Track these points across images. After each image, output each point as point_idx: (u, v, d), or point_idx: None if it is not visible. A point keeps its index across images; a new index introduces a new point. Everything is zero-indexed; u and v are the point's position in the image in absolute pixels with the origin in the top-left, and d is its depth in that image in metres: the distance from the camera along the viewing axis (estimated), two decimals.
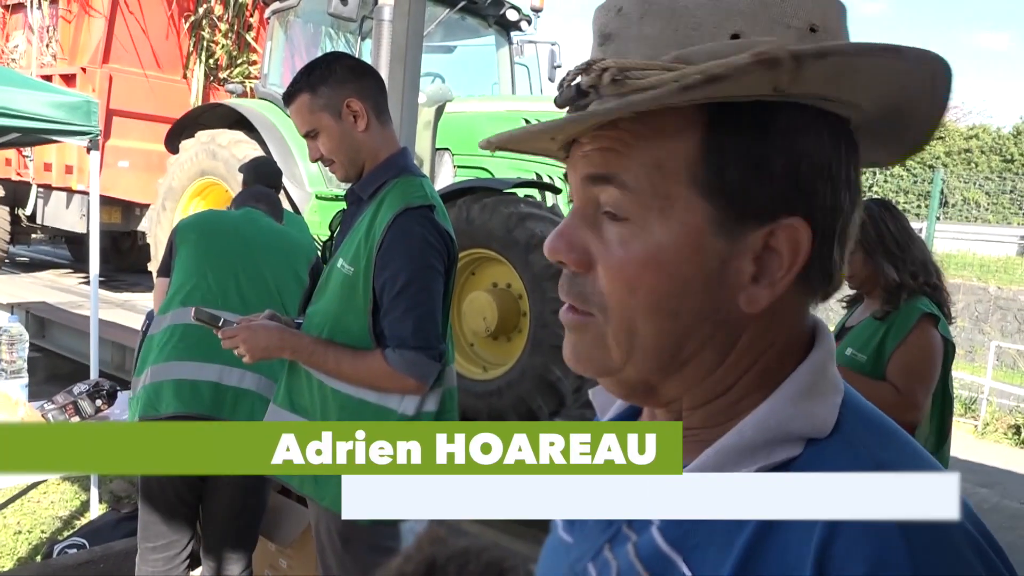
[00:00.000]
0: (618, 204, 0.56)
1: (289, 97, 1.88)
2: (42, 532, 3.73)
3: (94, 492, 3.75)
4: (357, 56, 5.90)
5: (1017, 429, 7.70)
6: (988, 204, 18.98)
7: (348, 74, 1.86)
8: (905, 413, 2.22)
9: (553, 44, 6.85)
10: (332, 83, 1.84)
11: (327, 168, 1.94)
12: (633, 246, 0.55)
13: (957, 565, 0.48)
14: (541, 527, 0.72)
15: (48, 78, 7.37)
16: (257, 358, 1.86)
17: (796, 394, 0.56)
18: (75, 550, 3.24)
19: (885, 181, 18.99)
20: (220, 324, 1.89)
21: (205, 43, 8.68)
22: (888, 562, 0.47)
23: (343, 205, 2.03)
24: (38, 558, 3.43)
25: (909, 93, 0.55)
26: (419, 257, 1.78)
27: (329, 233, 2.04)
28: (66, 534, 3.58)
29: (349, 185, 1.95)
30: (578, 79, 0.57)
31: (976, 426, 7.80)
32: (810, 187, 0.54)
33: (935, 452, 2.37)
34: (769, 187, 0.54)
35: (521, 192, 4.62)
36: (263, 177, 3.83)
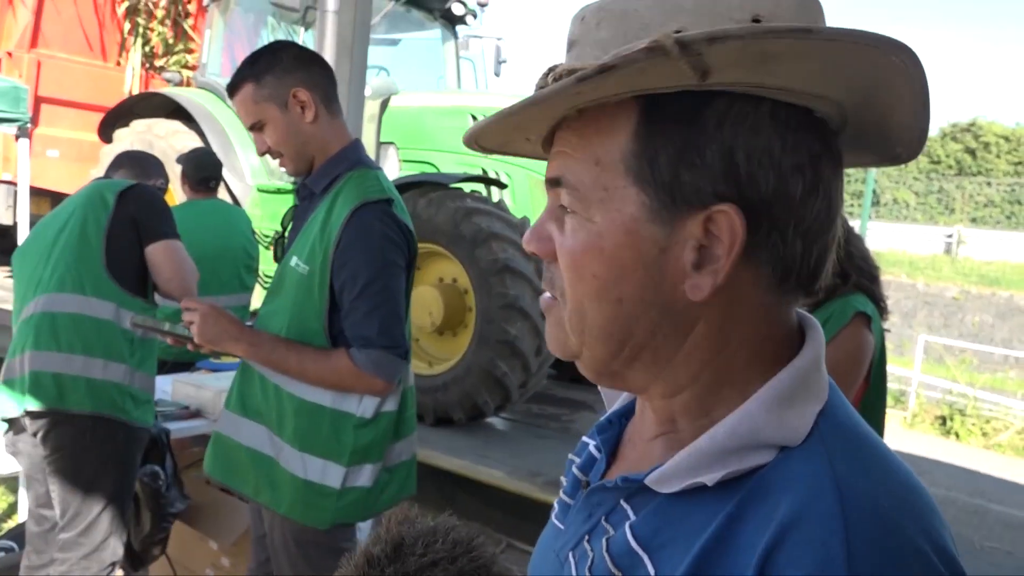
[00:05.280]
0: (569, 200, 0.60)
1: (233, 88, 1.81)
2: None
3: (22, 494, 3.61)
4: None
5: (943, 420, 8.02)
6: (917, 204, 19.70)
7: (294, 63, 1.80)
8: None
9: (499, 39, 6.84)
10: (277, 72, 1.78)
11: (275, 162, 1.88)
12: (579, 235, 0.59)
13: None
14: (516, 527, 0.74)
15: None
16: (206, 342, 1.80)
17: (772, 400, 0.56)
18: (3, 553, 3.12)
19: None
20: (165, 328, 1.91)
21: (141, 30, 8.40)
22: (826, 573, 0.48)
23: (285, 199, 1.98)
24: None
25: (871, 80, 0.53)
26: (380, 254, 1.73)
27: (280, 229, 1.99)
28: None
29: (294, 178, 1.90)
30: (539, 84, 0.60)
31: (905, 417, 8.10)
32: (747, 175, 0.54)
33: None
34: (700, 175, 0.55)
35: (467, 187, 4.61)
36: (202, 168, 3.75)
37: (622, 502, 0.61)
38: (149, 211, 2.34)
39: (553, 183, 0.62)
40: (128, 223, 2.30)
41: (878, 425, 2.56)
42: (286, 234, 1.94)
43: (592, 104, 0.57)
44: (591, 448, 0.72)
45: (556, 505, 0.72)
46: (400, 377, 1.82)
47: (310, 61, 1.86)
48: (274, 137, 1.80)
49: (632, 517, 0.59)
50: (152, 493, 2.51)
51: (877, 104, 0.55)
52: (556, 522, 0.70)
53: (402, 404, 1.88)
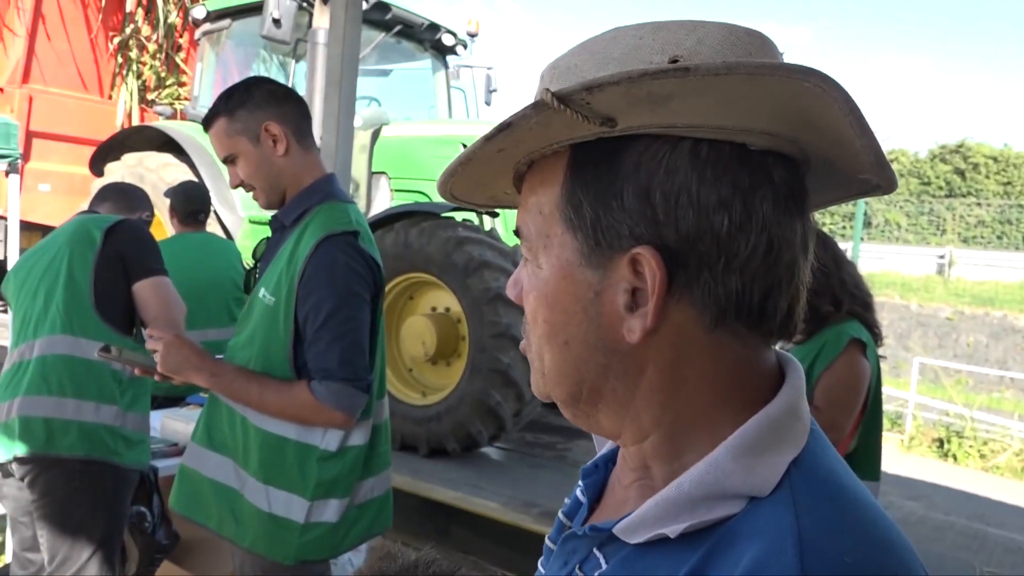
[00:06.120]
0: (525, 249, 0.63)
1: (207, 122, 1.86)
2: None
3: (9, 533, 3.54)
4: (291, 78, 5.83)
5: (941, 442, 7.99)
6: (908, 225, 19.83)
7: (267, 98, 1.83)
8: (826, 433, 2.25)
9: (489, 68, 6.89)
10: (250, 107, 1.81)
11: (249, 194, 1.90)
12: (532, 281, 0.62)
13: None
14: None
15: None
16: (168, 371, 1.79)
17: (739, 448, 0.54)
18: None
19: None
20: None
21: (133, 64, 8.45)
22: None
23: None
24: None
25: (799, 109, 0.51)
26: (343, 285, 1.73)
27: (254, 261, 1.99)
28: None
29: (267, 210, 1.91)
30: None
31: (902, 440, 8.06)
32: (664, 215, 0.54)
33: (862, 469, 2.41)
34: (619, 218, 0.56)
35: (459, 216, 4.61)
36: (191, 201, 3.74)
37: (595, 550, 0.61)
38: (137, 248, 2.33)
39: (516, 233, 0.65)
40: (116, 260, 2.29)
41: (875, 451, 2.53)
42: (258, 265, 1.95)
43: (537, 156, 0.60)
44: (577, 492, 0.71)
45: (544, 548, 0.72)
46: (364, 410, 1.79)
47: (283, 97, 1.88)
48: (246, 170, 1.83)
49: (603, 566, 0.59)
50: (139, 535, 2.46)
51: (822, 132, 0.54)
52: (540, 567, 0.70)
53: (373, 439, 1.86)
